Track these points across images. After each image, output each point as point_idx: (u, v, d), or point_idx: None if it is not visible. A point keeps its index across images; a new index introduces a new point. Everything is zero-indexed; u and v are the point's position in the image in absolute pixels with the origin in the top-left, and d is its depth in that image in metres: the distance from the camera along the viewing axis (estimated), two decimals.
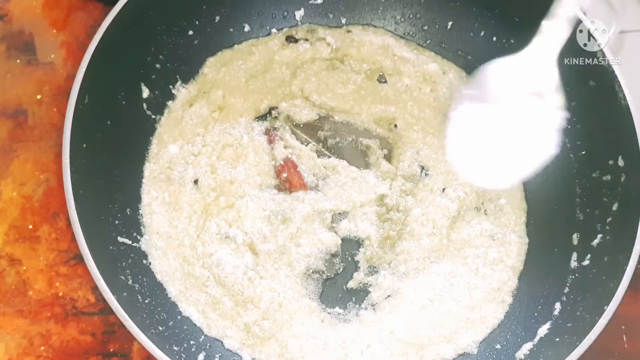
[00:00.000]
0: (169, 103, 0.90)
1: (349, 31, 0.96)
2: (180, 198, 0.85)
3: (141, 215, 0.84)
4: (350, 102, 0.93)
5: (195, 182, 0.86)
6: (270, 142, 0.89)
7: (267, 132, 0.90)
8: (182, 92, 0.91)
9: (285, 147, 0.89)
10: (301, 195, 0.86)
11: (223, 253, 0.82)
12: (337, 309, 0.82)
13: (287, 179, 0.87)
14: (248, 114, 0.91)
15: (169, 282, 0.81)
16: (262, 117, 0.92)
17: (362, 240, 0.85)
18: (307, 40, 0.95)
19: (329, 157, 0.90)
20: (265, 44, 0.94)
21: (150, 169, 0.87)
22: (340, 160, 0.89)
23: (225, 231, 0.84)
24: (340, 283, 0.84)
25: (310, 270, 0.83)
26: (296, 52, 0.94)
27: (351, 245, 0.86)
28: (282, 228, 0.84)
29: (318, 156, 0.89)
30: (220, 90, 0.91)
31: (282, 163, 0.88)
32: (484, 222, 0.86)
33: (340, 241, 0.85)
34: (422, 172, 0.89)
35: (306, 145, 0.90)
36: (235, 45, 0.94)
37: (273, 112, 0.92)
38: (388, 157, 0.90)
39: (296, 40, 0.95)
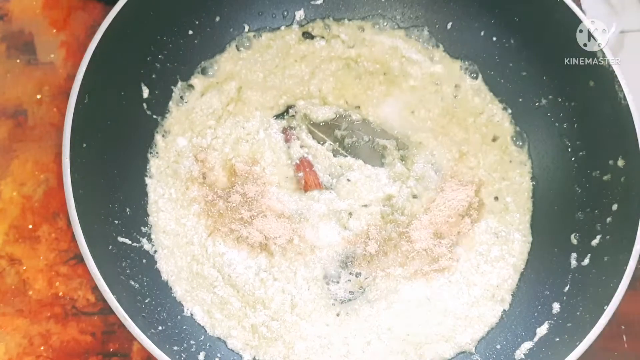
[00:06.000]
0: (182, 94, 0.90)
1: (362, 29, 0.95)
2: (188, 194, 0.85)
3: (143, 214, 0.84)
4: (365, 101, 0.93)
5: (204, 177, 0.86)
6: (287, 140, 0.89)
7: (284, 130, 0.90)
8: (197, 83, 0.91)
9: (301, 146, 0.89)
10: (316, 194, 0.86)
11: (235, 253, 0.82)
12: (338, 304, 0.82)
13: (303, 178, 0.87)
14: (264, 110, 0.91)
15: (175, 282, 0.81)
16: (279, 116, 0.92)
17: (364, 239, 0.85)
18: (323, 37, 0.95)
19: (345, 156, 0.90)
20: (282, 38, 0.95)
21: (156, 165, 0.87)
22: (357, 159, 0.89)
23: (239, 231, 0.84)
24: (341, 280, 0.84)
25: (329, 270, 0.83)
26: (312, 48, 0.94)
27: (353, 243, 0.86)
28: (298, 228, 0.84)
29: (334, 155, 0.89)
30: (234, 81, 0.91)
31: (298, 162, 0.88)
32: (489, 220, 0.86)
33: (356, 239, 0.85)
34: (435, 173, 0.89)
35: (322, 144, 0.90)
36: (254, 39, 0.94)
37: (290, 110, 0.91)
38: (404, 158, 0.90)
39: (312, 37, 0.95)
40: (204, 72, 0.92)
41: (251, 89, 0.92)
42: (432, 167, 0.89)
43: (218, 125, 0.89)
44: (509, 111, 0.92)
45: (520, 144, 0.90)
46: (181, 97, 0.90)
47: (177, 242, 0.83)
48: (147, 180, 0.86)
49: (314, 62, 0.94)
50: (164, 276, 0.81)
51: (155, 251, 0.83)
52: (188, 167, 0.87)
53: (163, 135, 0.88)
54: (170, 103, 0.90)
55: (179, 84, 0.90)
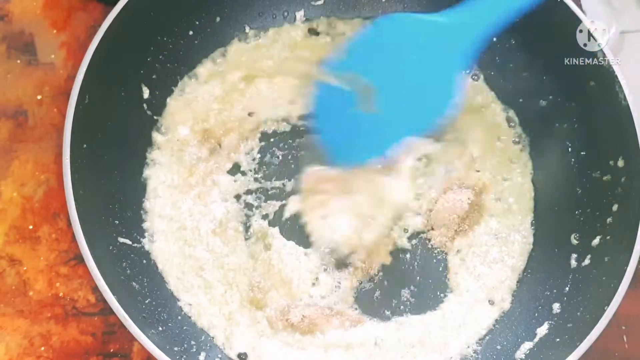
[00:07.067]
0: (182, 88, 0.91)
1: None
2: (189, 180, 0.86)
3: (143, 214, 0.84)
4: None
5: (220, 145, 0.87)
6: None
7: None
8: (202, 72, 0.91)
9: None
10: None
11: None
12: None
13: None
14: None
15: (168, 271, 0.81)
16: None
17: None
18: (328, 34, 0.95)
19: None
20: (288, 34, 0.95)
21: (160, 154, 0.87)
22: None
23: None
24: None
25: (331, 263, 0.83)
26: (318, 44, 0.94)
27: None
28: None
29: None
30: (239, 72, 0.91)
31: None
32: (490, 221, 0.86)
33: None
34: (443, 172, 0.88)
35: None
36: (261, 34, 0.95)
37: None
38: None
39: (318, 34, 0.95)
40: (211, 60, 0.92)
41: (260, 77, 0.92)
42: (444, 167, 0.88)
43: (224, 108, 0.90)
44: (510, 112, 0.91)
45: (521, 144, 0.90)
46: (180, 90, 0.90)
47: (171, 226, 0.83)
48: (147, 170, 0.86)
49: (321, 57, 0.93)
50: (160, 266, 0.81)
51: (152, 237, 0.83)
52: (194, 153, 0.87)
53: (161, 131, 0.88)
54: (169, 98, 0.90)
55: (182, 78, 0.91)
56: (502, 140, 0.90)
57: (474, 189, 0.87)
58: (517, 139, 0.90)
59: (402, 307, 0.82)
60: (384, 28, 0.78)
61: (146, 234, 0.83)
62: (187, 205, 0.85)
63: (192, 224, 0.84)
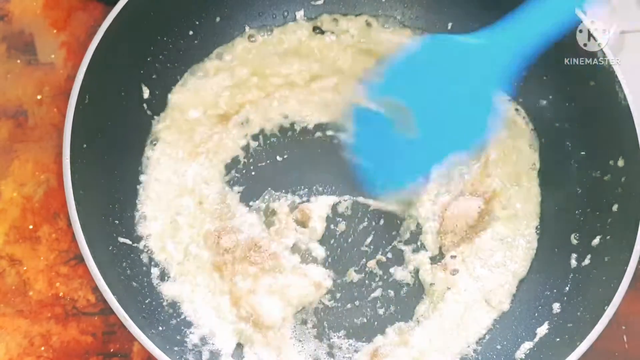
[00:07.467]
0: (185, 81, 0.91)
1: (369, 25, 0.95)
2: (193, 156, 0.86)
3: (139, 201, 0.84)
4: None
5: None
6: None
7: None
8: (209, 67, 0.91)
9: None
10: None
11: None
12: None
13: None
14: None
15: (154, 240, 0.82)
16: None
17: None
18: (332, 32, 0.95)
19: None
20: (294, 33, 0.95)
21: (166, 132, 0.87)
22: None
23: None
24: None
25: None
26: (323, 43, 0.94)
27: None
28: None
29: None
30: (247, 69, 0.91)
31: None
32: (496, 227, 0.85)
33: None
34: (461, 176, 0.88)
35: None
36: (266, 34, 0.95)
37: None
38: None
39: (323, 32, 0.95)
40: (217, 57, 0.92)
41: (272, 76, 0.92)
42: (458, 170, 0.88)
43: (238, 92, 0.90)
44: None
45: (533, 147, 0.89)
46: (184, 85, 0.90)
47: (167, 190, 0.84)
48: (150, 150, 0.86)
49: (329, 56, 0.94)
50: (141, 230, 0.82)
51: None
52: (205, 132, 0.87)
53: (172, 109, 0.88)
54: (171, 94, 0.89)
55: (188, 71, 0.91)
56: (518, 141, 0.89)
57: (485, 197, 0.86)
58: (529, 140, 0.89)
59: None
60: (420, 51, 0.78)
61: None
62: (184, 167, 0.85)
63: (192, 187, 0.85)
